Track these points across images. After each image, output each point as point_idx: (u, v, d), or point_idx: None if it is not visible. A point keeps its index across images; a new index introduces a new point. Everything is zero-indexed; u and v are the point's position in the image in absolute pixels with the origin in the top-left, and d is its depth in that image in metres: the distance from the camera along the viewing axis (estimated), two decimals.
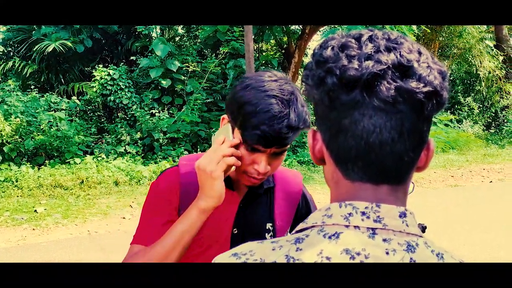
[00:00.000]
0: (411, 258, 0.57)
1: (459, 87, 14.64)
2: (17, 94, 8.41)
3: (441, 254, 0.59)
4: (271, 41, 12.28)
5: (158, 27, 11.48)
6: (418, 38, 12.48)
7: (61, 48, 9.40)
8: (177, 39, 12.04)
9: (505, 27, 14.21)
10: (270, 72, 1.10)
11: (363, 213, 0.59)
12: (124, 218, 5.70)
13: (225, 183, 1.07)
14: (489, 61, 13.54)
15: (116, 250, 4.43)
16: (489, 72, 13.66)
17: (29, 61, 10.10)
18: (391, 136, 0.57)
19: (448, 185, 7.88)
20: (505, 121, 14.20)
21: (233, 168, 1.09)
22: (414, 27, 9.46)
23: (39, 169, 7.26)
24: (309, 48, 11.11)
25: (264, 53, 12.16)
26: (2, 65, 10.00)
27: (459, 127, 13.36)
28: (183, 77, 9.74)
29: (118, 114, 9.40)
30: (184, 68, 9.65)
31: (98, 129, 9.35)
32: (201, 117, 9.38)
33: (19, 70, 9.90)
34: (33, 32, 10.17)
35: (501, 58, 13.95)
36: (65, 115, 8.46)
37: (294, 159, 8.87)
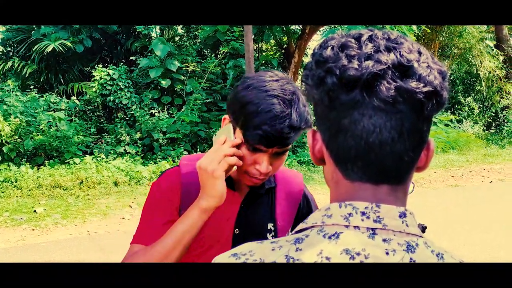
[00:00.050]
0: (411, 258, 0.57)
1: (459, 87, 14.65)
2: (16, 94, 8.40)
3: (441, 254, 0.59)
4: (271, 41, 12.28)
5: (157, 27, 11.48)
6: (418, 38, 12.48)
7: (61, 48, 9.40)
8: (176, 39, 12.04)
9: (505, 27, 14.22)
10: (272, 72, 1.10)
11: (363, 213, 0.59)
12: (123, 218, 5.70)
13: (227, 184, 1.07)
14: (489, 61, 13.55)
15: (116, 251, 4.43)
16: (489, 72, 13.66)
17: (29, 61, 10.10)
18: (391, 136, 0.57)
19: (448, 185, 7.89)
20: (506, 121, 14.20)
21: (235, 168, 1.09)
22: (414, 27, 9.46)
23: (38, 169, 7.26)
24: (309, 48, 11.11)
25: (264, 53, 12.16)
26: (2, 65, 10.00)
27: (459, 127, 13.36)
28: (182, 77, 9.74)
29: (118, 114, 9.40)
30: (184, 68, 9.65)
31: (98, 129, 9.34)
32: (200, 117, 9.38)
33: (19, 70, 9.90)
34: (33, 32, 10.17)
35: (501, 58, 13.96)
36: (65, 115, 8.45)
37: (294, 159, 8.87)
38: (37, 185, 6.61)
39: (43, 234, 5.10)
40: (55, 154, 7.80)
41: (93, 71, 9.53)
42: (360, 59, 0.56)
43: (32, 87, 9.17)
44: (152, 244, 1.08)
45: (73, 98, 9.13)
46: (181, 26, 12.01)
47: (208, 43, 10.81)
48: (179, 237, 1.05)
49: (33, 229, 5.21)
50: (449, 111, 13.72)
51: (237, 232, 1.18)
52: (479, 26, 13.68)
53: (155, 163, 8.18)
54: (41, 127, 7.74)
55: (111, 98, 9.27)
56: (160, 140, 8.63)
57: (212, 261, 0.63)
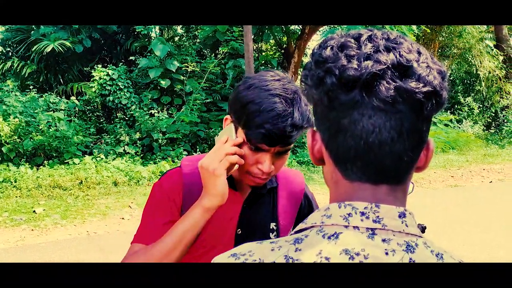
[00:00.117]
0: (410, 258, 0.57)
1: (459, 87, 14.66)
2: (15, 94, 8.40)
3: (441, 254, 0.59)
4: (271, 41, 12.29)
5: (157, 27, 11.48)
6: (418, 38, 12.49)
7: (60, 48, 9.40)
8: (176, 39, 12.04)
9: (505, 27, 14.22)
10: (273, 72, 1.10)
11: (363, 214, 0.58)
12: (123, 218, 5.69)
13: (228, 184, 1.07)
14: (489, 61, 13.56)
15: (115, 251, 4.43)
16: (489, 72, 13.67)
17: (28, 61, 10.09)
18: (391, 136, 0.57)
19: (448, 185, 7.89)
20: (505, 121, 14.21)
21: (236, 167, 1.09)
22: (414, 27, 9.47)
23: (37, 169, 7.25)
24: (309, 48, 11.11)
25: (263, 53, 12.17)
26: (1, 65, 10.00)
27: (459, 127, 13.37)
28: (182, 77, 9.74)
29: (117, 114, 9.39)
30: (183, 68, 9.65)
31: (97, 129, 9.34)
32: (200, 117, 9.38)
33: (18, 70, 9.89)
34: (32, 32, 10.16)
35: (501, 58, 13.97)
36: (64, 115, 8.44)
37: (293, 159, 8.87)
38: (36, 185, 6.61)
39: (43, 234, 5.10)
40: (54, 154, 7.80)
41: (92, 71, 9.52)
42: (359, 59, 0.56)
43: (31, 87, 9.16)
44: (153, 243, 1.08)
45: (73, 98, 9.12)
46: (181, 26, 12.00)
47: (208, 43, 10.82)
48: (180, 237, 1.05)
49: (32, 230, 5.21)
50: (448, 111, 13.72)
51: (240, 232, 1.18)
52: (479, 26, 13.68)
53: (154, 163, 8.18)
54: (40, 127, 7.73)
55: (111, 98, 9.27)
56: (160, 140, 8.63)
57: (212, 261, 0.63)
